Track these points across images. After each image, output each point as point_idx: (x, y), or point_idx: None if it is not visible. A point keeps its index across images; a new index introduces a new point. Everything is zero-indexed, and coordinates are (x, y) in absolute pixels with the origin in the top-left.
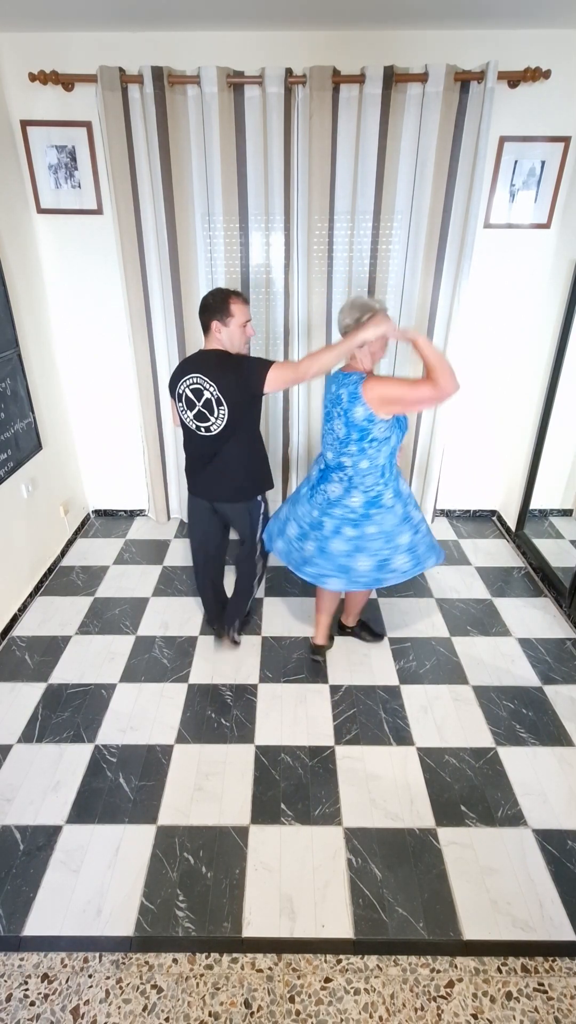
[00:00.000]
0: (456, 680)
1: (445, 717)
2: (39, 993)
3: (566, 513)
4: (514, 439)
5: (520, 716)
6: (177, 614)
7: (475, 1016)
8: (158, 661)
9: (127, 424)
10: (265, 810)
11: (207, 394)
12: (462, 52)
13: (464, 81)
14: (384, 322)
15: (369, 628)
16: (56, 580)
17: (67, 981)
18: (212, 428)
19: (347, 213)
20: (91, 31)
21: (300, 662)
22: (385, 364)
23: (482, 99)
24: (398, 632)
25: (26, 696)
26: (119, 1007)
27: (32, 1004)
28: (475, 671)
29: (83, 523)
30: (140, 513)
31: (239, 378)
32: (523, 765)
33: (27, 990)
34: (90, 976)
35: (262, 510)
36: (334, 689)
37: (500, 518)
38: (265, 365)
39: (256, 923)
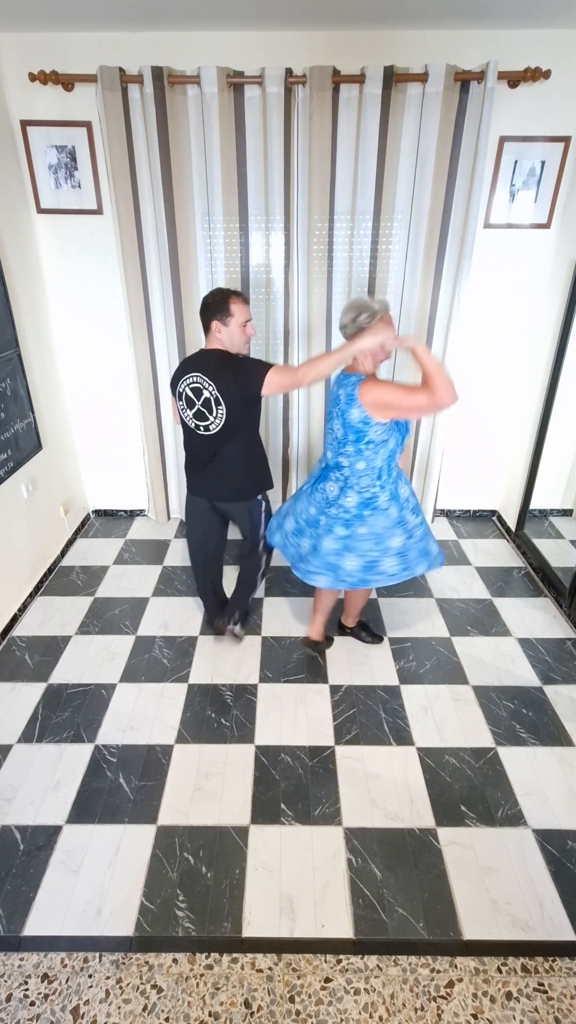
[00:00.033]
0: (456, 680)
1: (445, 717)
2: (39, 993)
3: (566, 513)
4: (514, 439)
5: (520, 716)
6: (177, 614)
7: (475, 1016)
8: (158, 661)
9: (127, 424)
10: (265, 810)
11: (206, 393)
12: (462, 52)
13: (464, 81)
14: (382, 331)
15: (369, 629)
16: (56, 580)
17: (67, 981)
18: (211, 427)
19: (347, 213)
20: (91, 31)
21: (300, 662)
22: (385, 367)
23: (482, 99)
24: (398, 632)
25: (26, 696)
26: (119, 1007)
27: (32, 1004)
28: (475, 671)
29: (83, 523)
30: (140, 513)
31: (238, 378)
32: (523, 765)
33: (27, 990)
34: (90, 976)
35: (263, 508)
36: (334, 689)
37: (500, 518)
38: (264, 367)
39: (256, 923)
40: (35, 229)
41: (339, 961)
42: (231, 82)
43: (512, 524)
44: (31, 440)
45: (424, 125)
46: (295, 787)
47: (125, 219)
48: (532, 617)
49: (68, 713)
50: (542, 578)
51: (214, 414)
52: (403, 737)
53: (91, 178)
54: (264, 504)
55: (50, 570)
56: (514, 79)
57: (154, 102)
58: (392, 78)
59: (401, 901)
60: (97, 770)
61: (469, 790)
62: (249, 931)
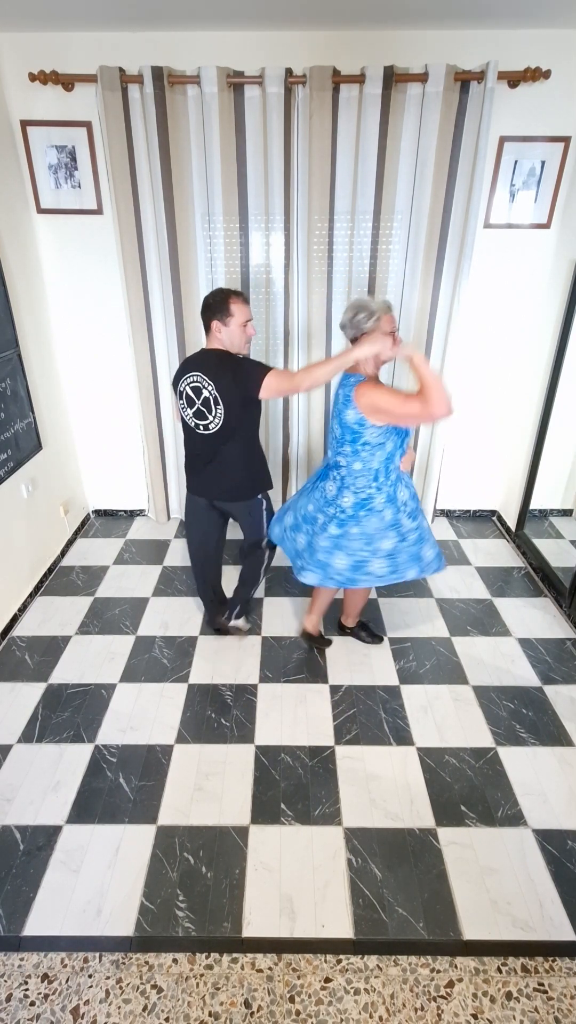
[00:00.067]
0: (456, 680)
1: (445, 717)
2: (39, 993)
3: (566, 513)
4: (514, 439)
5: (520, 716)
6: (177, 614)
7: (475, 1016)
8: (158, 661)
9: (127, 424)
10: (265, 810)
11: (205, 392)
12: (462, 52)
13: (464, 81)
14: (379, 339)
15: (369, 629)
16: (56, 580)
17: (67, 981)
18: (211, 426)
19: (347, 213)
20: (91, 31)
21: (300, 662)
22: (386, 370)
23: (482, 99)
24: (398, 632)
25: (26, 696)
26: (119, 1007)
27: (32, 1004)
28: (475, 671)
29: (83, 523)
30: (140, 513)
31: (236, 379)
32: (523, 765)
33: (27, 990)
34: (90, 976)
35: (263, 507)
36: (334, 689)
37: (500, 518)
38: (263, 370)
39: (256, 923)
40: (35, 229)
41: (339, 961)
42: (231, 82)
43: (512, 524)
44: (31, 440)
45: (424, 125)
46: (295, 787)
47: (125, 219)
48: (532, 617)
49: (68, 713)
50: (542, 578)
51: (213, 413)
52: (403, 737)
53: (91, 178)
54: (265, 503)
55: (50, 570)
56: (514, 79)
57: (154, 102)
58: (392, 78)
59: (401, 901)
60: (97, 770)
61: (469, 790)
62: (249, 931)
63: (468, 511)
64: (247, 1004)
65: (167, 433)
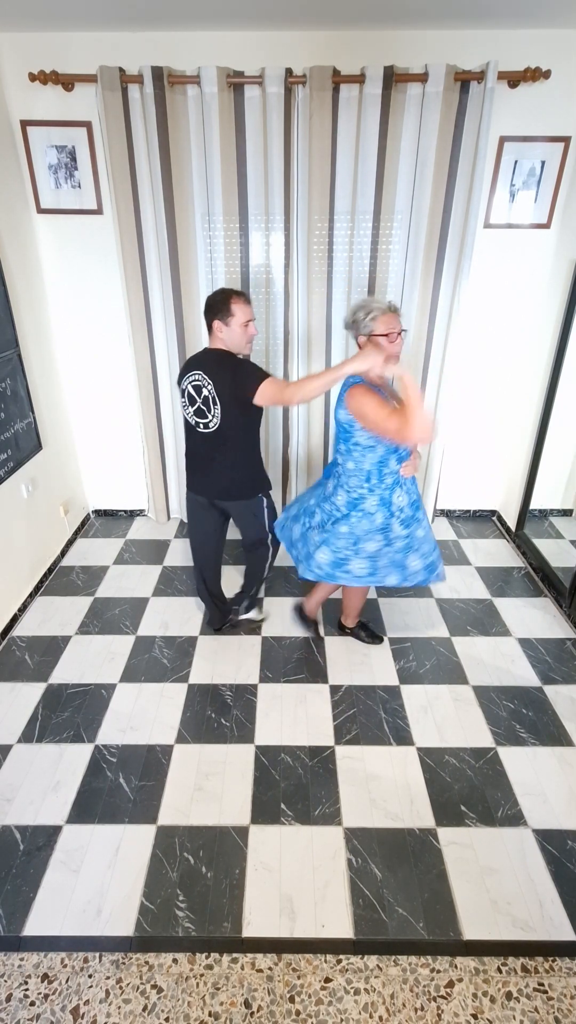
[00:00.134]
0: (456, 680)
1: (445, 717)
2: (39, 993)
3: (566, 513)
4: (514, 439)
5: (520, 716)
6: (177, 614)
7: (475, 1016)
8: (158, 661)
9: (127, 424)
10: (265, 810)
11: (205, 391)
12: (462, 52)
13: (464, 81)
14: (370, 356)
15: (369, 629)
16: (56, 580)
17: (67, 981)
18: (210, 425)
19: (347, 213)
20: (91, 31)
21: (300, 662)
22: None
23: (482, 99)
24: (398, 632)
25: (26, 696)
26: (119, 1007)
27: (32, 1004)
28: (475, 671)
29: (83, 523)
30: (140, 513)
31: (233, 381)
32: (523, 765)
33: (27, 990)
34: (90, 976)
35: (265, 505)
36: (334, 689)
37: (500, 518)
38: (260, 377)
39: (256, 923)
40: (35, 229)
41: (339, 961)
42: (231, 82)
43: (512, 524)
44: (31, 440)
45: (424, 125)
46: (295, 787)
47: (125, 219)
48: (532, 617)
49: (68, 713)
50: (542, 578)
51: (211, 412)
52: (403, 737)
53: (91, 178)
54: (266, 501)
55: (50, 570)
56: (514, 79)
57: (154, 102)
58: (392, 78)
59: (401, 901)
60: (97, 770)
61: (469, 790)
62: (249, 931)
63: (468, 511)
64: (247, 1004)
65: (167, 433)
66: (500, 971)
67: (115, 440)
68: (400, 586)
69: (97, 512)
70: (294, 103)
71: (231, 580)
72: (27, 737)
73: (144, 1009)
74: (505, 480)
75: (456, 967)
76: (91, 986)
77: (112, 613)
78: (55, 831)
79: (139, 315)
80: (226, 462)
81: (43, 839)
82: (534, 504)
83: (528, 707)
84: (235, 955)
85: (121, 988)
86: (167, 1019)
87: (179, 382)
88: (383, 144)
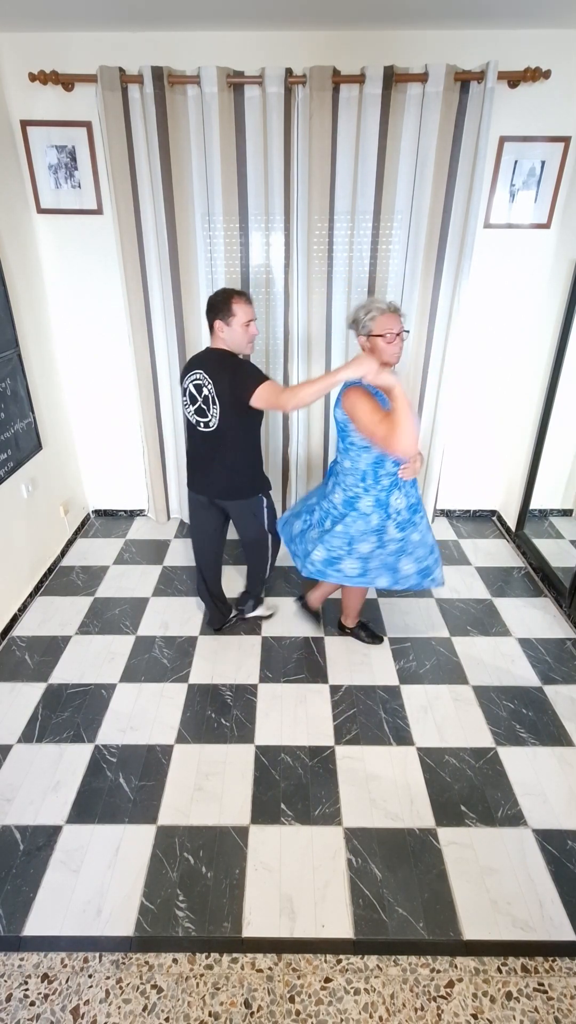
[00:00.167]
0: (456, 680)
1: (445, 717)
2: (39, 993)
3: (566, 513)
4: (514, 439)
5: (520, 716)
6: (177, 614)
7: (475, 1016)
8: (158, 661)
9: (127, 424)
10: (265, 810)
11: (206, 391)
12: (462, 52)
13: (464, 81)
14: (364, 364)
15: (369, 629)
16: (56, 580)
17: (67, 981)
18: (210, 424)
19: (347, 213)
20: (91, 31)
21: (300, 662)
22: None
23: (482, 99)
24: (398, 632)
25: (26, 696)
26: (119, 1007)
27: (32, 1004)
28: (475, 671)
29: (83, 523)
30: (140, 513)
31: (232, 381)
32: (523, 765)
33: (27, 990)
34: (90, 976)
35: (265, 504)
36: (334, 689)
37: (500, 518)
38: (258, 379)
39: (256, 923)
40: (35, 229)
41: (339, 961)
42: (231, 82)
43: (512, 524)
44: (31, 440)
45: (424, 125)
46: (295, 787)
47: (125, 219)
48: (532, 617)
49: (68, 713)
50: (542, 578)
51: (211, 412)
52: (403, 737)
53: (91, 178)
54: (266, 501)
55: (50, 570)
56: (514, 79)
57: (154, 102)
58: (392, 78)
59: (401, 901)
60: (97, 770)
61: (469, 790)
62: (249, 931)
63: (468, 511)
64: (247, 1004)
65: (167, 433)
66: (500, 971)
67: (115, 440)
68: (392, 588)
69: (97, 512)
70: (294, 103)
71: (231, 580)
72: (27, 737)
73: (144, 1009)
74: (505, 480)
75: (456, 967)
76: (91, 986)
77: (112, 613)
78: (55, 831)
79: (139, 315)
80: (226, 461)
81: (43, 839)
82: (534, 504)
83: (528, 707)
84: (235, 955)
85: (121, 988)
86: (167, 1019)
87: (181, 381)
88: (383, 144)
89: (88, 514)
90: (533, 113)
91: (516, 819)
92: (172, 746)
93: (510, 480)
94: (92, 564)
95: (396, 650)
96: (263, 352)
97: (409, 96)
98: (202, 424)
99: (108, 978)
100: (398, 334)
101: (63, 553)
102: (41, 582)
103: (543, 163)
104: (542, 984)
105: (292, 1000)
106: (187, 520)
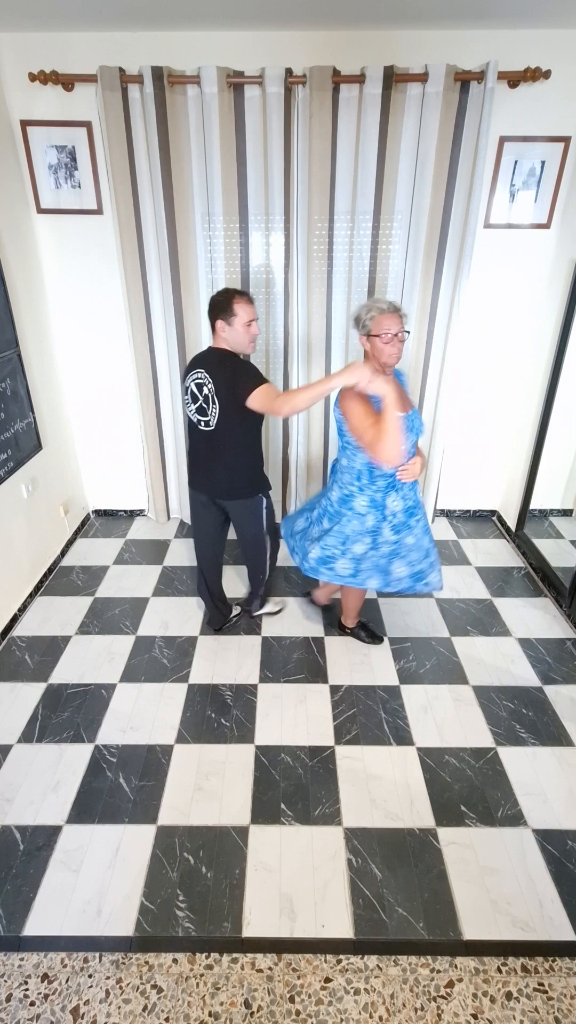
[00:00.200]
0: (456, 680)
1: (445, 717)
2: (39, 993)
3: (566, 513)
4: (514, 439)
5: (520, 716)
6: (177, 614)
7: (475, 1016)
8: (158, 661)
9: (127, 424)
10: (265, 810)
11: (206, 390)
12: (462, 52)
13: (464, 81)
14: (357, 371)
15: (369, 629)
16: (56, 580)
17: (67, 981)
18: (210, 423)
19: (347, 213)
20: (91, 31)
21: (300, 662)
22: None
23: (482, 99)
24: (398, 632)
25: (26, 696)
26: (119, 1007)
27: (32, 1004)
28: (475, 671)
29: (83, 523)
30: (140, 513)
31: (230, 381)
32: (523, 765)
33: (27, 990)
34: (90, 976)
35: (264, 505)
36: (334, 689)
37: (500, 518)
38: (256, 381)
39: (256, 923)
40: (35, 229)
41: (339, 961)
42: (231, 82)
43: (512, 524)
44: (31, 440)
45: (424, 125)
46: (295, 787)
47: (125, 219)
48: (532, 617)
49: (68, 713)
50: (542, 578)
51: (211, 411)
52: (403, 737)
53: (91, 178)
54: (265, 501)
55: (50, 570)
56: (514, 79)
57: (154, 102)
58: (392, 78)
59: (401, 901)
60: (97, 770)
61: (469, 790)
62: (249, 931)
63: (468, 511)
64: (247, 1004)
65: (167, 433)
66: (500, 971)
67: (115, 440)
68: (384, 591)
69: (97, 512)
70: (294, 103)
71: (231, 580)
72: (27, 737)
73: (144, 1009)
74: (505, 480)
75: (456, 967)
76: (91, 986)
77: (112, 613)
78: (55, 831)
79: (139, 315)
80: (226, 461)
81: (43, 839)
82: (534, 504)
83: (528, 707)
84: (235, 955)
85: (121, 988)
86: (167, 1019)
87: (183, 380)
88: (383, 144)
89: (88, 514)
90: (533, 113)
91: (516, 819)
92: (172, 746)
93: (510, 480)
94: (92, 564)
95: (396, 650)
96: (263, 352)
97: (409, 96)
98: (202, 423)
99: (108, 978)
100: (396, 335)
101: (63, 553)
102: (41, 582)
103: (543, 163)
104: (542, 984)
105: (292, 1000)
106: (187, 520)
